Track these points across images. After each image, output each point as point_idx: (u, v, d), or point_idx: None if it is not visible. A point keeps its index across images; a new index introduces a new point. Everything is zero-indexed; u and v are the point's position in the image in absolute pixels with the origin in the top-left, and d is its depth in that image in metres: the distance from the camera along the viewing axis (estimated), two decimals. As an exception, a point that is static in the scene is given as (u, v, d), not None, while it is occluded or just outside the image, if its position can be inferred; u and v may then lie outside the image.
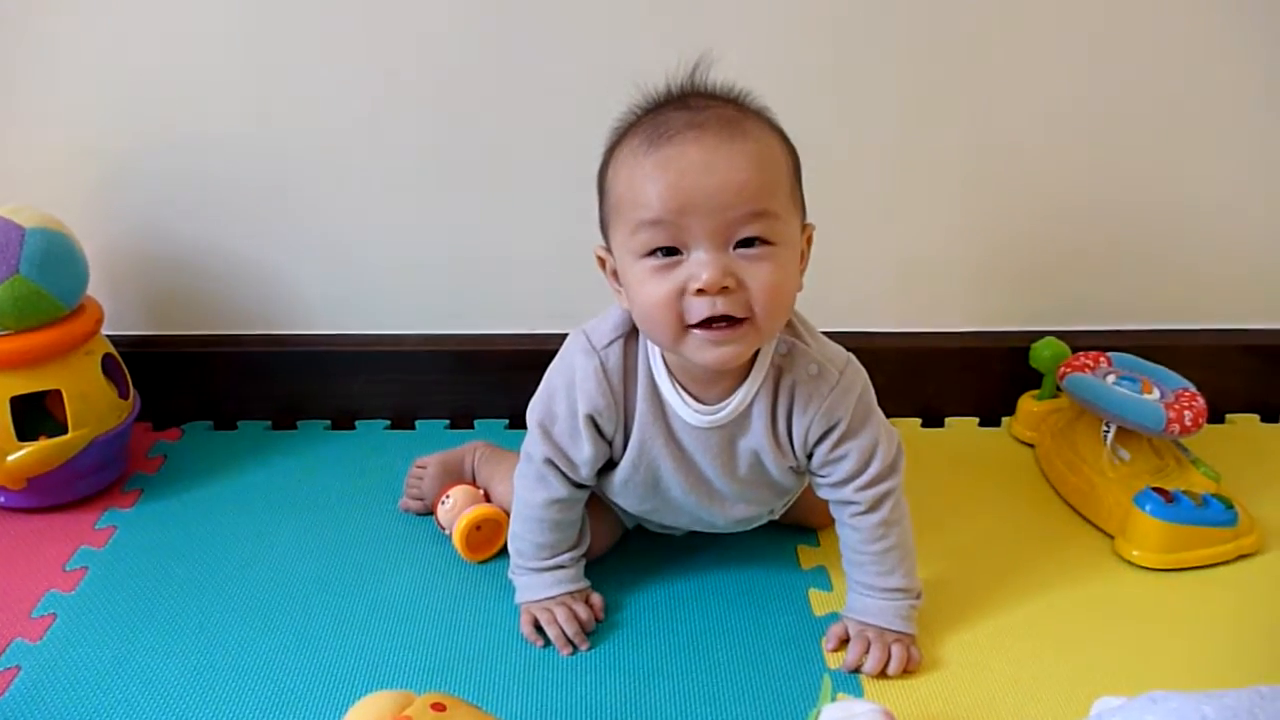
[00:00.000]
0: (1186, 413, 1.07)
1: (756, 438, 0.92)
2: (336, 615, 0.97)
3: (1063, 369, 1.17)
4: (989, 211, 1.27)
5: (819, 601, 1.00)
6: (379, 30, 1.15)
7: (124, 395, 1.16)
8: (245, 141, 1.20)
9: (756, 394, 0.90)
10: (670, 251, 0.80)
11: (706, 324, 0.80)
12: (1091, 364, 1.17)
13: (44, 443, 1.07)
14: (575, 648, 0.93)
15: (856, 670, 0.91)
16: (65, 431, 1.08)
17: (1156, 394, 1.12)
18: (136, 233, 1.24)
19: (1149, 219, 1.27)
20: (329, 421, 1.31)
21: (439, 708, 0.76)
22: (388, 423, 1.31)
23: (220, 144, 1.20)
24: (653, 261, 0.80)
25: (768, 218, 0.80)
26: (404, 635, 0.95)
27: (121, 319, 1.27)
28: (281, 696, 0.87)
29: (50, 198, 1.16)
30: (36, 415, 1.11)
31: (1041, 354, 1.23)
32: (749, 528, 1.03)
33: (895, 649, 0.91)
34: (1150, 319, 1.32)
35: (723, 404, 0.90)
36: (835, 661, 0.92)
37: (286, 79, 1.17)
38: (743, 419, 0.91)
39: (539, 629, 0.95)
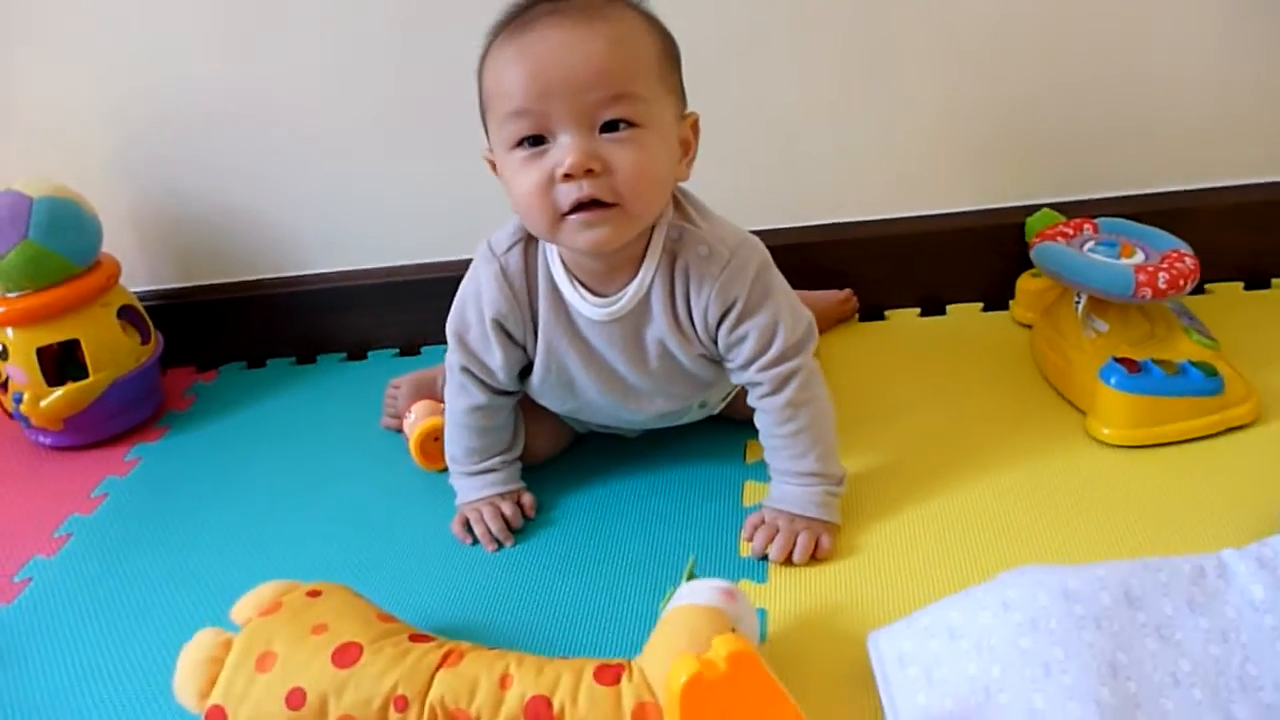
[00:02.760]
0: (1162, 275, 0.98)
1: (659, 327, 0.92)
2: (300, 521, 1.06)
3: (1035, 239, 1.09)
4: (978, 85, 1.20)
5: (752, 493, 0.99)
6: None
7: (145, 340, 1.28)
8: (246, 103, 1.28)
9: (652, 281, 0.90)
10: (537, 141, 0.81)
11: (578, 208, 0.81)
12: (1072, 231, 1.09)
13: (69, 386, 1.20)
14: (500, 545, 0.97)
15: (764, 558, 0.90)
16: (87, 376, 1.21)
17: (1140, 257, 1.03)
18: (160, 193, 1.35)
19: (1145, 82, 1.17)
20: (345, 354, 1.39)
21: (314, 594, 0.82)
22: (396, 350, 1.38)
23: (225, 110, 1.29)
24: (522, 152, 0.82)
25: (631, 99, 0.80)
26: (350, 537, 1.02)
27: (157, 273, 1.39)
28: (237, 589, 0.95)
29: (79, 162, 1.29)
30: (71, 363, 1.24)
31: (1035, 227, 1.16)
32: (678, 422, 1.03)
33: (802, 536, 0.89)
34: (1155, 183, 1.21)
35: (619, 294, 0.91)
36: (748, 550, 0.92)
37: (273, 49, 1.24)
38: (642, 308, 0.91)
39: (470, 529, 0.99)
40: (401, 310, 1.35)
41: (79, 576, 1.04)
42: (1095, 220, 1.11)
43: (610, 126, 0.80)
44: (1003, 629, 0.70)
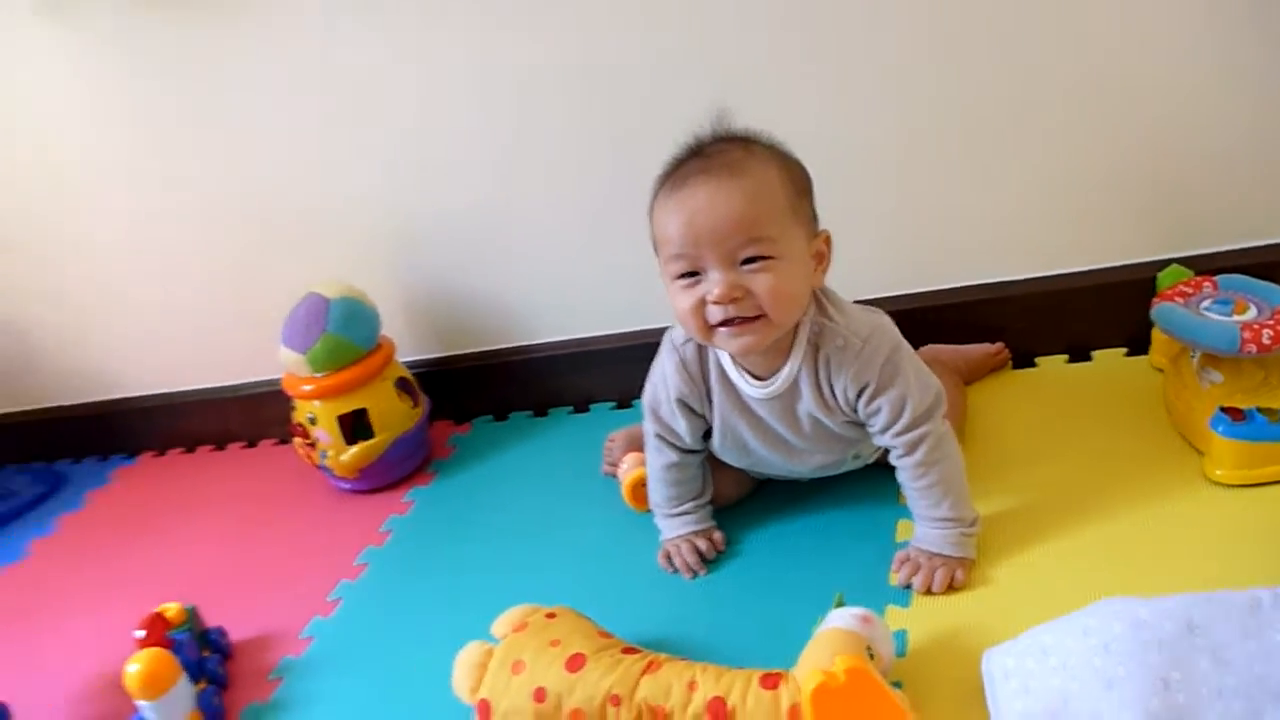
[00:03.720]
0: (1266, 331, 1.10)
1: (808, 403, 1.13)
2: (538, 553, 1.33)
3: (1156, 298, 1.23)
4: (1107, 142, 1.33)
5: (903, 530, 1.18)
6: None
7: (415, 404, 1.59)
8: (494, 210, 1.57)
9: (799, 368, 1.12)
10: (691, 274, 1.05)
11: (726, 323, 1.04)
12: (1191, 290, 1.21)
13: (361, 445, 1.53)
14: (695, 574, 1.21)
15: (907, 588, 1.09)
16: (373, 436, 1.53)
17: (1251, 313, 1.15)
18: (423, 283, 1.67)
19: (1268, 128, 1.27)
20: (572, 407, 1.66)
21: (550, 615, 1.08)
22: (613, 403, 1.64)
23: (475, 215, 1.58)
24: (681, 281, 1.06)
25: (765, 240, 1.02)
26: (577, 567, 1.28)
27: (422, 346, 1.71)
28: (488, 611, 1.22)
29: (360, 260, 1.63)
30: (361, 427, 1.56)
31: (1163, 283, 1.28)
32: (838, 471, 1.24)
33: (940, 571, 1.08)
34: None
35: (774, 378, 1.13)
36: (896, 580, 1.11)
37: (516, 171, 1.53)
38: (794, 389, 1.13)
39: (670, 561, 1.23)
40: (616, 369, 1.61)
41: (376, 596, 1.35)
42: (1216, 278, 1.23)
43: (749, 260, 1.02)
44: (1082, 650, 0.87)
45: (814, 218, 1.08)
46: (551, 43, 1.43)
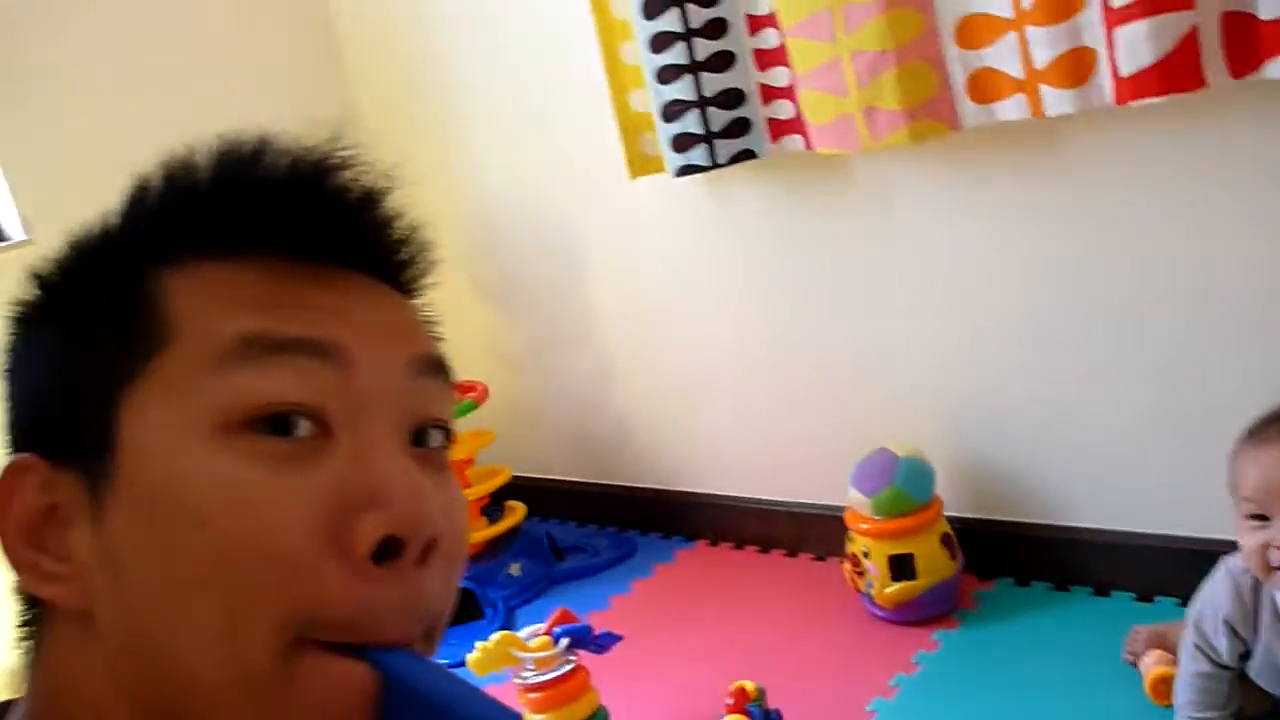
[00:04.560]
0: None
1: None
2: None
3: None
4: None
5: None
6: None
7: (954, 558, 1.85)
8: (1041, 387, 1.81)
9: (1350, 617, 1.24)
10: (1260, 518, 1.22)
11: None
12: None
13: (903, 584, 1.81)
14: (1210, 776, 1.35)
15: None
16: (916, 578, 1.80)
17: None
18: (973, 448, 1.93)
19: None
20: (1092, 589, 1.83)
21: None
22: (1134, 596, 1.78)
23: (1025, 390, 1.83)
24: (1250, 522, 1.24)
25: None
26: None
27: (963, 504, 1.96)
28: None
29: (924, 434, 1.92)
30: (905, 567, 1.84)
31: None
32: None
33: None
34: None
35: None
36: None
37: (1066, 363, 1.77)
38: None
39: (1187, 759, 1.38)
40: (1143, 563, 1.76)
41: (908, 717, 1.61)
42: None
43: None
44: None
45: None
46: (1158, 269, 1.64)
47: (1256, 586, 1.32)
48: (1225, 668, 1.37)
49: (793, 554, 2.23)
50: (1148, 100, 1.41)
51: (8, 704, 0.50)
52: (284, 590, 0.42)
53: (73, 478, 0.46)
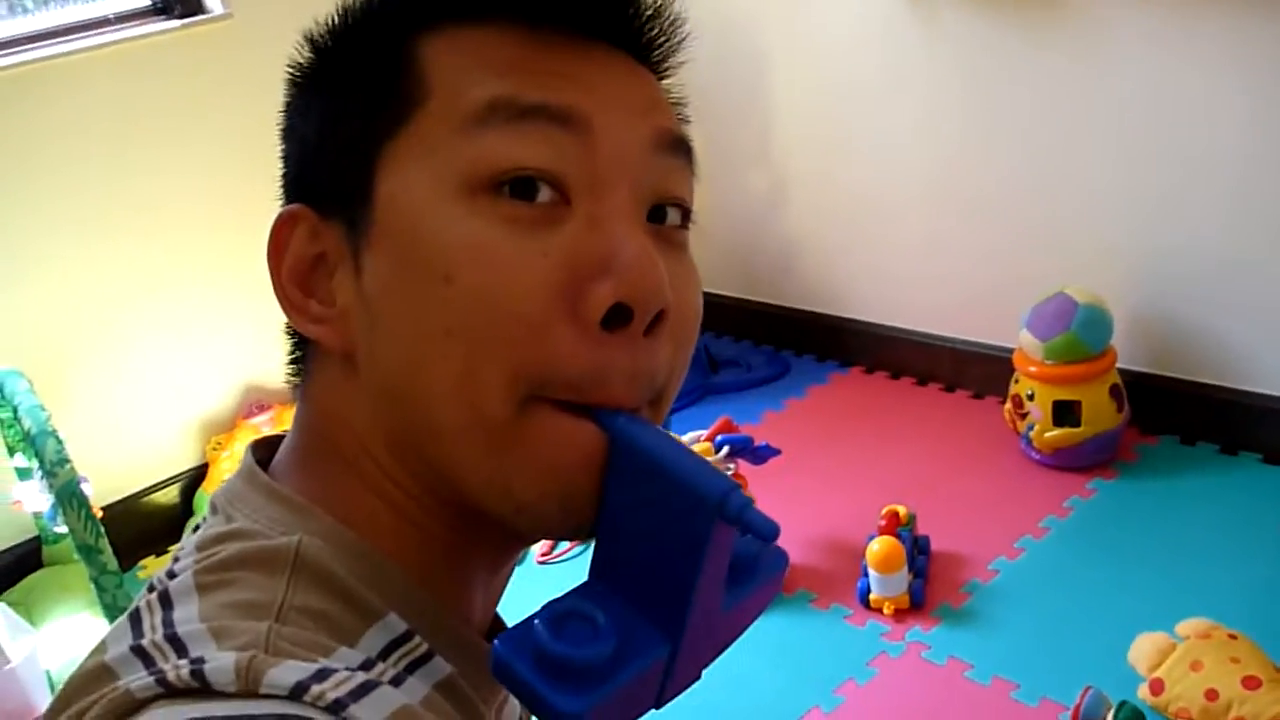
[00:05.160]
0: None
1: None
2: (1205, 577, 1.54)
3: None
4: None
5: None
6: None
7: (1120, 410, 1.83)
8: (1245, 248, 1.74)
9: None
10: None
11: None
12: None
13: (1066, 430, 1.81)
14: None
15: None
16: (1079, 425, 1.80)
17: None
18: (1159, 302, 1.88)
19: None
20: (1261, 455, 1.80)
21: (1232, 636, 1.31)
22: (1302, 466, 1.76)
23: (1225, 246, 1.76)
24: None
25: None
26: (1246, 604, 1.46)
27: (1137, 357, 1.92)
28: (1156, 609, 1.46)
29: (1106, 281, 1.88)
30: (1068, 414, 1.84)
31: None
32: None
33: None
34: None
35: None
36: None
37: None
38: None
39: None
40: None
41: (1055, 558, 1.66)
42: None
43: None
44: None
45: None
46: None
47: None
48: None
49: (950, 389, 2.24)
50: None
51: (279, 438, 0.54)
52: (519, 346, 0.45)
53: (337, 228, 0.48)
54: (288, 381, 0.54)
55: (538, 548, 1.92)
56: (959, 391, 2.22)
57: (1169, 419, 1.92)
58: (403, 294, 0.46)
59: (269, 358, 2.46)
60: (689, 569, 0.45)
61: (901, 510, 1.71)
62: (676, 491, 0.45)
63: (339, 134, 0.49)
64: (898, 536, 1.62)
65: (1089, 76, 1.82)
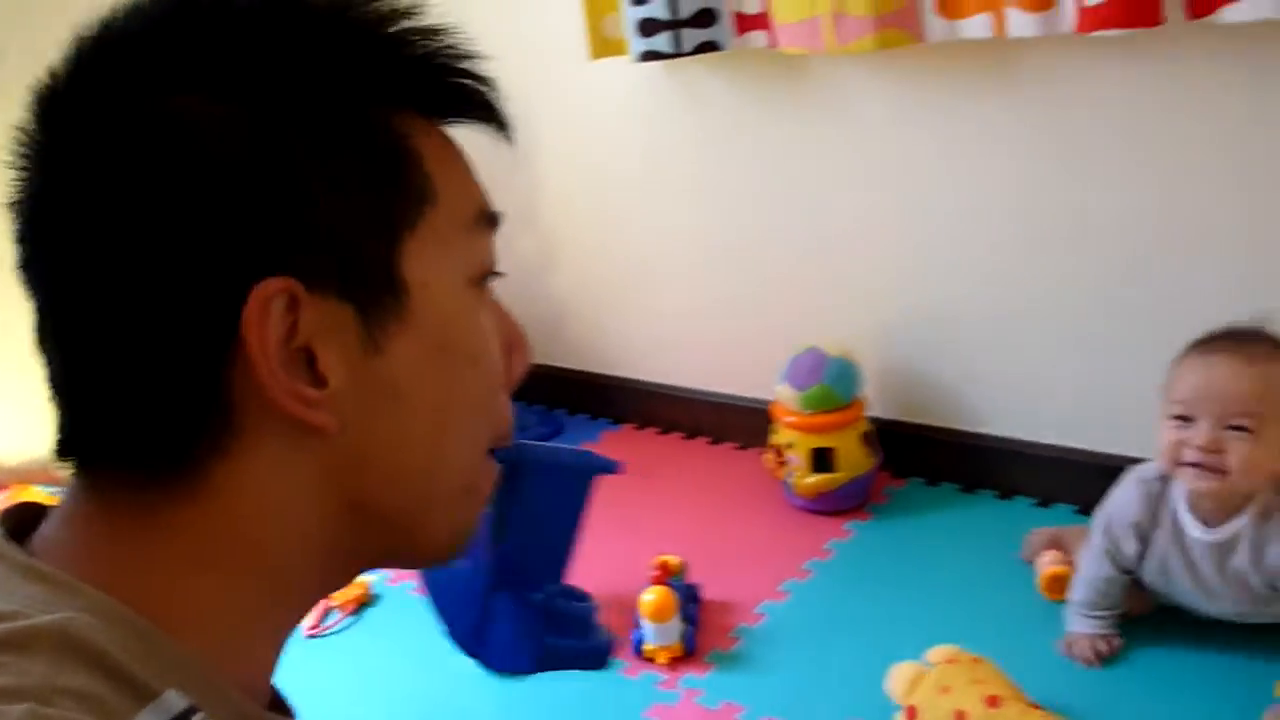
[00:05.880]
0: None
1: (1241, 557, 1.38)
2: (953, 607, 1.65)
3: None
4: None
5: (1284, 687, 1.40)
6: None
7: (872, 455, 1.95)
8: (977, 302, 1.90)
9: (1244, 528, 1.36)
10: (1184, 419, 1.32)
11: (1194, 465, 1.31)
12: None
13: (823, 476, 1.90)
14: (1091, 665, 1.48)
15: (1280, 732, 1.32)
16: (835, 471, 1.90)
17: None
18: (896, 356, 2.02)
19: None
20: (997, 492, 1.95)
21: (976, 660, 1.40)
22: (1035, 501, 1.91)
23: (961, 302, 1.92)
24: (1174, 422, 1.34)
25: (1251, 417, 1.28)
26: (985, 629, 1.57)
27: (885, 405, 2.05)
28: (909, 640, 1.54)
29: (855, 335, 2.00)
30: (825, 461, 1.93)
31: None
32: (1244, 621, 1.46)
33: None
34: None
35: (1220, 529, 1.38)
36: None
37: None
38: (1233, 542, 1.38)
39: (1070, 650, 1.51)
40: (1043, 472, 1.88)
41: (819, 599, 1.73)
42: None
43: (1233, 427, 1.28)
44: None
45: None
46: (1097, 197, 1.72)
47: (1162, 492, 1.43)
48: (1126, 571, 1.49)
49: (717, 442, 2.32)
50: (1106, 31, 1.47)
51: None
52: (496, 413, 0.56)
53: (338, 307, 0.48)
54: (126, 472, 0.48)
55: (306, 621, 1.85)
56: (725, 443, 2.30)
57: (915, 462, 2.05)
58: (435, 374, 0.52)
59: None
60: (575, 522, 0.73)
61: (672, 560, 1.74)
62: (563, 472, 0.71)
63: (342, 214, 0.48)
64: (669, 586, 1.66)
65: (836, 142, 1.95)
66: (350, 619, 1.83)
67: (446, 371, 0.52)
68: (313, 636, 1.78)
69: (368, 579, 1.88)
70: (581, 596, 0.78)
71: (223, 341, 0.46)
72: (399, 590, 1.89)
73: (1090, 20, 1.47)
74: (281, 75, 0.48)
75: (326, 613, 1.82)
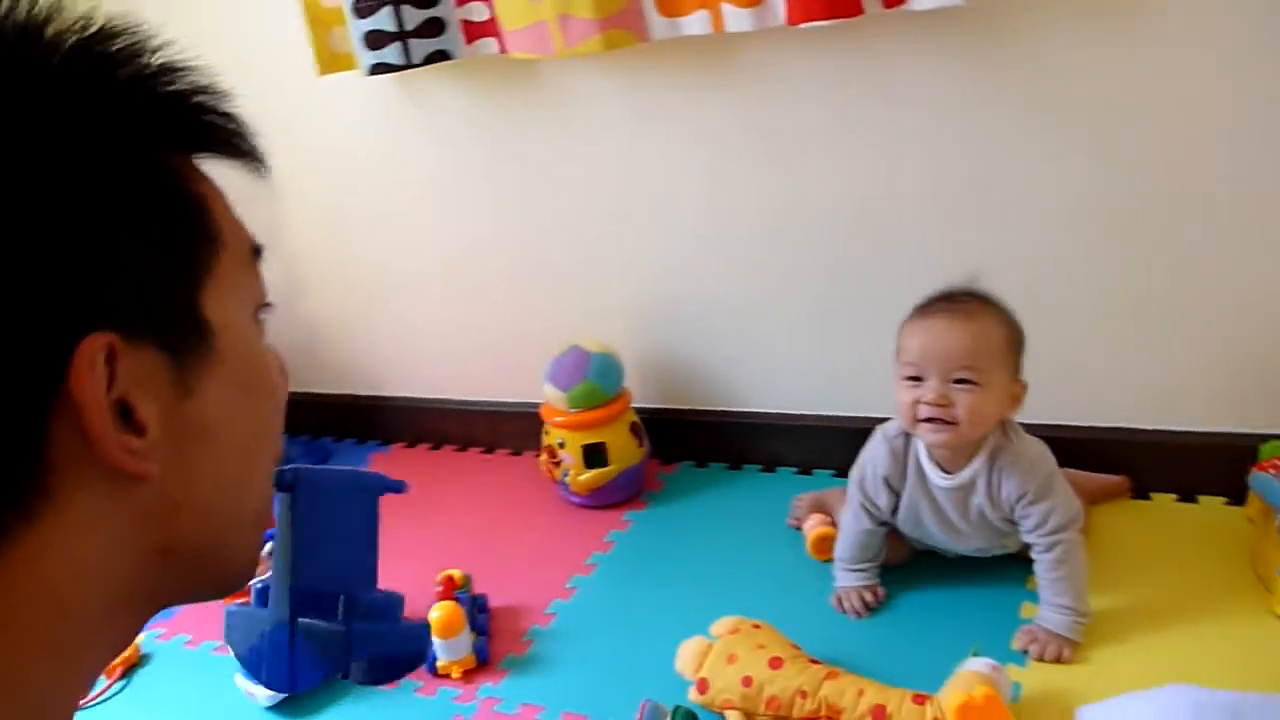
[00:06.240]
0: (1335, 511, 1.43)
1: (979, 497, 1.50)
2: (733, 579, 1.72)
3: (1254, 467, 1.56)
4: (1241, 336, 1.66)
5: (1028, 610, 1.53)
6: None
7: (641, 445, 2.00)
8: (725, 289, 1.98)
9: (979, 470, 1.48)
10: (916, 379, 1.43)
11: (929, 420, 1.42)
12: (1282, 464, 1.54)
13: (596, 471, 1.94)
14: (860, 616, 1.58)
15: (1025, 653, 1.45)
16: (607, 465, 1.94)
17: (1329, 494, 1.47)
18: (654, 346, 2.08)
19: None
20: (761, 466, 2.05)
21: (757, 626, 1.47)
22: (796, 470, 2.02)
23: (710, 292, 1.99)
24: (907, 382, 1.44)
25: (975, 370, 1.40)
26: (766, 595, 1.65)
27: (648, 397, 2.11)
28: (696, 616, 1.60)
29: (611, 319, 2.04)
30: (597, 455, 1.97)
31: (1265, 454, 1.61)
32: (988, 554, 1.60)
33: (1052, 645, 1.44)
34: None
35: (957, 475, 1.50)
36: (1017, 646, 1.47)
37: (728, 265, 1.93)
38: (971, 485, 1.50)
39: (840, 604, 1.60)
40: (801, 441, 1.99)
41: (605, 590, 1.76)
42: (1309, 455, 1.56)
43: (960, 381, 1.40)
44: (1152, 715, 1.22)
45: (1018, 369, 1.46)
46: (818, 179, 1.83)
47: (905, 446, 1.54)
48: (883, 524, 1.60)
49: (490, 451, 2.32)
50: (814, 23, 1.57)
51: None
52: (279, 440, 0.60)
53: (151, 355, 0.49)
54: None
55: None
56: (498, 451, 2.31)
57: (683, 447, 2.12)
58: (245, 413, 0.54)
59: None
60: (372, 533, 0.76)
61: (456, 574, 1.73)
62: (344, 491, 0.74)
63: (150, 263, 0.49)
64: (456, 599, 1.65)
65: (574, 144, 1.98)
66: (120, 683, 1.72)
67: (250, 407, 0.55)
68: (80, 709, 1.66)
69: (138, 638, 1.77)
70: (394, 600, 0.80)
71: (42, 400, 0.46)
72: (171, 647, 1.79)
73: (798, 13, 1.57)
74: (68, 133, 0.48)
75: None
